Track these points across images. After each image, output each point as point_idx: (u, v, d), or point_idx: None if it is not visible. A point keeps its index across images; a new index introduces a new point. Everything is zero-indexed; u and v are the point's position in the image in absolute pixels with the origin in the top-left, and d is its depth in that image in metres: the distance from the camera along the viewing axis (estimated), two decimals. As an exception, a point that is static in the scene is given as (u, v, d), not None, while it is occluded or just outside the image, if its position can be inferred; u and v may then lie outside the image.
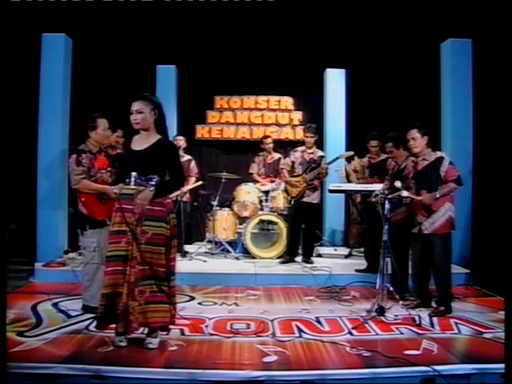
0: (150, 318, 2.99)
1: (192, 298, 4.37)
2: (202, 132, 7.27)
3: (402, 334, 3.44)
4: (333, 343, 3.20)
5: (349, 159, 5.95)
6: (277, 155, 6.37)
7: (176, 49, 6.69)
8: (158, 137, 3.10)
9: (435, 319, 3.76)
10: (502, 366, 2.54)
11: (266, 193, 5.94)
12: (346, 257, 5.98)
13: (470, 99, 5.73)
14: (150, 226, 2.99)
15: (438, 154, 4.01)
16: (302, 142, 5.92)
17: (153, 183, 3.02)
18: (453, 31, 5.78)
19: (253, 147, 6.86)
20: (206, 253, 5.99)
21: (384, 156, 5.10)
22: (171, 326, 3.21)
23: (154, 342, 3.08)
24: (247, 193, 5.92)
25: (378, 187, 4.39)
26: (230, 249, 5.91)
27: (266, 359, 2.94)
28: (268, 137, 6.49)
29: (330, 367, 2.86)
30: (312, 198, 5.53)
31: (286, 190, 5.76)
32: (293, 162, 5.65)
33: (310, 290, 4.73)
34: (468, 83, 5.74)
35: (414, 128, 3.99)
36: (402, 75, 6.88)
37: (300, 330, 3.48)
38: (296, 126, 7.26)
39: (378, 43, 6.50)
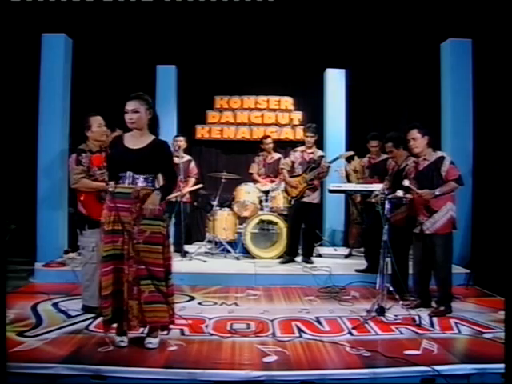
0: (149, 318, 3.00)
1: (192, 298, 4.37)
2: (202, 132, 7.27)
3: (401, 333, 3.44)
4: (333, 343, 3.20)
5: (349, 159, 5.95)
6: (277, 155, 6.37)
7: (176, 49, 6.69)
8: (153, 137, 3.13)
9: (435, 319, 3.76)
10: (502, 366, 2.54)
11: (266, 193, 5.94)
12: (346, 257, 5.98)
13: (470, 99, 5.73)
14: (148, 224, 3.00)
15: (439, 153, 4.01)
16: (301, 142, 5.92)
17: (148, 183, 3.03)
18: (453, 31, 5.78)
19: (253, 147, 6.86)
20: (206, 253, 5.99)
21: (384, 156, 5.10)
22: (171, 326, 3.21)
23: (153, 342, 3.08)
24: (247, 193, 5.92)
25: (378, 187, 4.38)
26: (230, 249, 5.91)
27: (266, 359, 2.94)
28: (268, 137, 6.49)
29: (330, 367, 2.86)
30: (312, 197, 5.53)
31: (285, 190, 5.76)
32: (293, 162, 5.65)
33: (309, 289, 4.73)
34: (468, 83, 5.74)
35: (414, 128, 3.99)
36: (402, 75, 6.88)
37: (300, 330, 3.48)
38: (296, 125, 7.25)
39: (377, 43, 6.50)
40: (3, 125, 4.62)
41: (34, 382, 2.73)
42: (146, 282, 2.98)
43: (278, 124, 7.28)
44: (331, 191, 5.13)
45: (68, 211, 5.54)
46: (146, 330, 3.15)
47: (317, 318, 3.80)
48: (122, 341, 3.08)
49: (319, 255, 5.97)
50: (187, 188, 5.83)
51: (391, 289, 3.83)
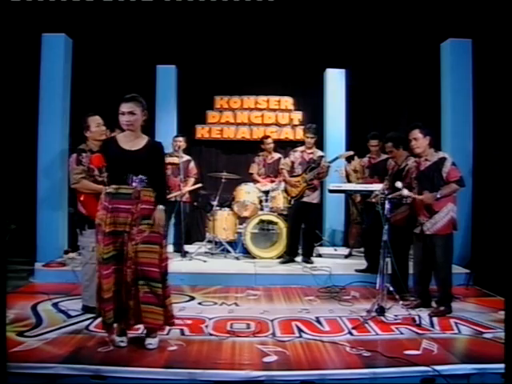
0: (144, 318, 3.00)
1: (192, 298, 4.37)
2: (202, 132, 7.27)
3: (402, 333, 3.44)
4: (333, 343, 3.21)
5: (349, 159, 5.95)
6: (277, 155, 6.37)
7: (176, 49, 6.69)
8: (146, 137, 3.14)
9: (435, 319, 3.76)
10: (502, 366, 2.54)
11: (266, 193, 5.94)
12: (346, 257, 5.98)
13: (470, 99, 5.73)
14: (147, 224, 3.01)
15: (441, 154, 3.99)
16: (301, 142, 5.92)
17: (146, 183, 3.03)
18: (453, 31, 5.78)
19: (253, 147, 6.85)
20: (206, 253, 5.99)
21: (384, 156, 5.10)
22: (171, 327, 3.21)
23: (153, 343, 3.08)
24: (247, 193, 5.92)
25: (377, 187, 4.38)
26: (230, 249, 5.91)
27: (266, 359, 2.94)
28: (268, 137, 6.49)
29: (330, 367, 2.86)
30: (312, 197, 5.53)
31: (285, 190, 5.76)
32: (292, 162, 5.65)
33: (310, 289, 4.73)
34: (468, 83, 5.74)
35: (416, 128, 3.97)
36: (402, 75, 6.88)
37: (300, 330, 3.48)
38: (296, 126, 7.25)
39: (378, 43, 6.49)
40: (3, 125, 4.62)
41: (34, 382, 2.73)
42: (141, 283, 2.97)
43: (278, 124, 7.28)
44: (331, 191, 5.13)
45: (68, 211, 5.54)
46: (145, 331, 3.14)
47: (317, 317, 3.80)
48: (122, 341, 3.09)
49: (319, 255, 5.97)
50: (187, 187, 5.83)
51: (391, 289, 3.83)
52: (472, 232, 5.61)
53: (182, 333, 3.38)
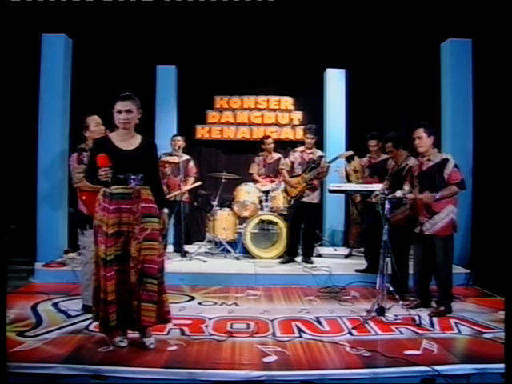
0: (142, 316, 2.99)
1: (192, 298, 4.37)
2: (201, 132, 7.27)
3: (402, 333, 3.44)
4: (333, 343, 3.20)
5: (349, 159, 5.95)
6: (277, 155, 6.37)
7: (176, 49, 6.69)
8: (139, 135, 3.15)
9: (435, 319, 3.76)
10: (502, 366, 2.54)
11: (266, 193, 5.94)
12: (346, 257, 5.98)
13: (470, 99, 5.73)
14: (148, 222, 3.01)
15: (444, 155, 3.97)
16: (301, 142, 5.92)
17: (144, 182, 3.04)
18: (453, 31, 5.78)
19: (253, 147, 6.85)
20: (206, 253, 5.98)
21: (384, 156, 5.09)
22: (170, 326, 3.21)
23: (152, 341, 3.08)
24: (247, 193, 5.92)
25: (377, 187, 4.39)
26: (230, 249, 5.91)
27: (266, 359, 2.94)
28: (269, 137, 6.49)
29: (330, 367, 2.86)
30: (312, 197, 5.53)
31: (285, 191, 5.76)
32: (292, 163, 5.65)
33: (310, 289, 4.73)
34: (468, 83, 5.74)
35: (421, 127, 3.93)
36: (402, 75, 6.88)
37: (300, 330, 3.48)
38: (296, 126, 7.25)
39: (378, 43, 6.49)
40: (3, 125, 4.62)
41: (34, 382, 2.73)
42: (144, 281, 2.98)
43: (278, 124, 7.27)
44: (331, 191, 5.14)
45: (68, 211, 5.54)
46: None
47: (317, 318, 3.80)
48: (122, 341, 3.08)
49: (319, 255, 5.97)
50: (187, 186, 5.83)
51: (391, 289, 3.83)
52: (472, 232, 5.61)
53: (182, 333, 3.38)
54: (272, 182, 6.20)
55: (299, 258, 5.63)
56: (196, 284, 4.82)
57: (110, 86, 6.47)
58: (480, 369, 2.84)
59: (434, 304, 4.03)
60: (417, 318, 3.65)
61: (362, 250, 5.70)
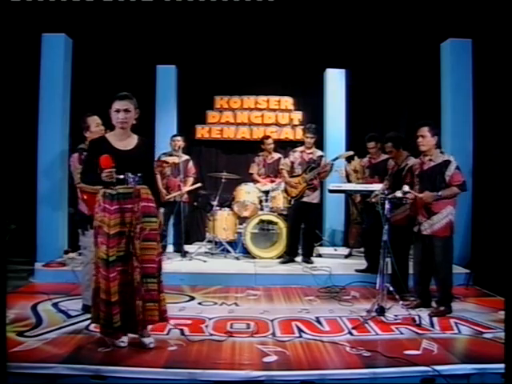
0: (147, 316, 3.00)
1: (192, 298, 4.37)
2: (201, 132, 7.26)
3: (402, 333, 3.45)
4: (333, 343, 3.21)
5: (349, 159, 5.95)
6: (277, 155, 6.37)
7: (176, 49, 6.68)
8: (136, 135, 3.15)
9: (435, 319, 3.76)
10: (502, 366, 2.54)
11: (266, 193, 5.94)
12: (346, 257, 5.98)
13: (470, 99, 5.73)
14: (147, 221, 3.02)
15: (446, 156, 3.94)
16: (301, 142, 5.91)
17: (142, 181, 3.03)
18: (453, 31, 5.78)
19: (253, 147, 6.85)
20: (206, 253, 5.98)
21: (384, 156, 5.08)
22: (170, 326, 3.21)
23: (152, 341, 3.09)
24: (247, 193, 5.92)
25: (377, 187, 4.39)
26: (230, 249, 5.91)
27: (266, 359, 2.94)
28: (269, 137, 6.49)
29: (330, 367, 2.86)
30: (312, 197, 5.53)
31: (285, 191, 5.76)
32: (292, 163, 5.65)
33: (310, 289, 4.73)
34: (468, 83, 5.74)
35: (425, 125, 3.90)
36: (402, 75, 6.87)
37: (300, 330, 3.48)
38: (296, 125, 7.25)
39: (378, 43, 6.49)
40: (3, 125, 4.62)
41: (34, 382, 2.73)
42: (145, 280, 2.99)
43: (278, 124, 7.27)
44: (331, 191, 5.14)
45: (68, 211, 5.54)
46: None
47: (317, 317, 3.80)
48: (122, 341, 3.08)
49: (319, 255, 5.96)
50: (186, 187, 5.84)
51: (391, 289, 3.83)
52: (472, 232, 5.61)
53: (182, 333, 3.38)
54: (272, 182, 6.20)
55: (299, 258, 5.63)
56: (196, 284, 4.82)
57: (110, 86, 6.46)
58: (480, 369, 2.85)
59: (434, 304, 4.03)
60: (417, 318, 3.65)
61: (362, 250, 5.70)
